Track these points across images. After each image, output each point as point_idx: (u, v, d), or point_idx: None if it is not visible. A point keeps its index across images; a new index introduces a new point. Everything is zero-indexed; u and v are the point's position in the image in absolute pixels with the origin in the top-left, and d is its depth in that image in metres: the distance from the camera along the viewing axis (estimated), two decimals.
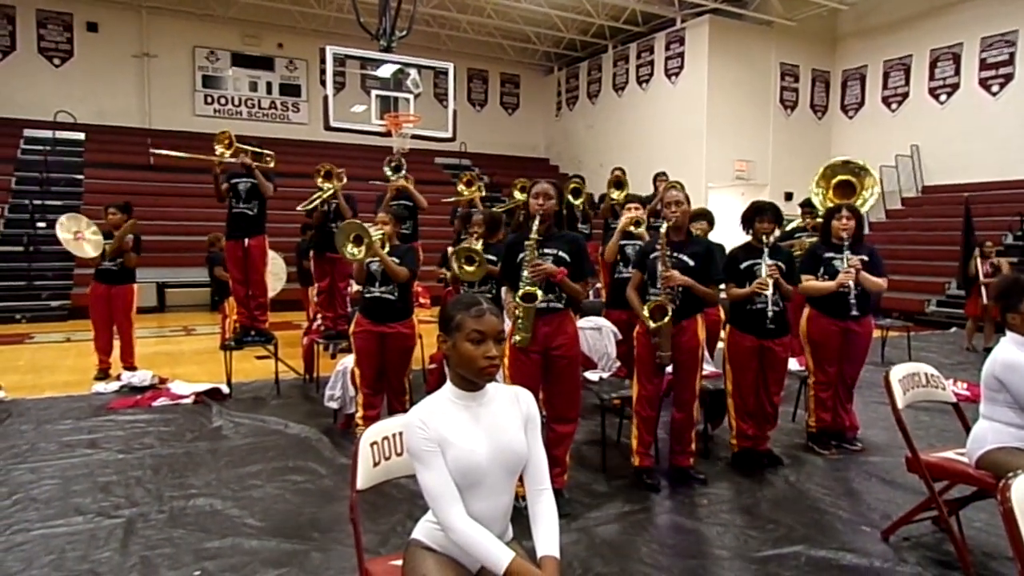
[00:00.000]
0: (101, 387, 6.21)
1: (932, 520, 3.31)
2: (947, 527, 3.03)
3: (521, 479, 1.94)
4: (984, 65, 14.22)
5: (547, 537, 1.85)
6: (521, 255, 3.54)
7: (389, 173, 6.80)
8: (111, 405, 5.64)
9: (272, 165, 6.57)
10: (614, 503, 3.75)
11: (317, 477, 4.14)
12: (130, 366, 6.59)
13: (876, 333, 8.16)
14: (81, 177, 14.50)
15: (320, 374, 6.29)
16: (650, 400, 3.97)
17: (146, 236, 6.69)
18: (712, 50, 15.65)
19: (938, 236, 13.25)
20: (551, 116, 21.66)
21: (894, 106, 15.91)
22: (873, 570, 3.04)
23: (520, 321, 3.48)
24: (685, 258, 3.86)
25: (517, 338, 3.49)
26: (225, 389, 6.03)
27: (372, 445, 2.08)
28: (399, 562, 1.96)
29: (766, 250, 4.17)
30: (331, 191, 6.51)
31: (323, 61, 9.25)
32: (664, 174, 7.73)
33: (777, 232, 4.39)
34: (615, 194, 6.55)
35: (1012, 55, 13.76)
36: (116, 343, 6.69)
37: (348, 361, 5.08)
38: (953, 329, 10.57)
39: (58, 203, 13.44)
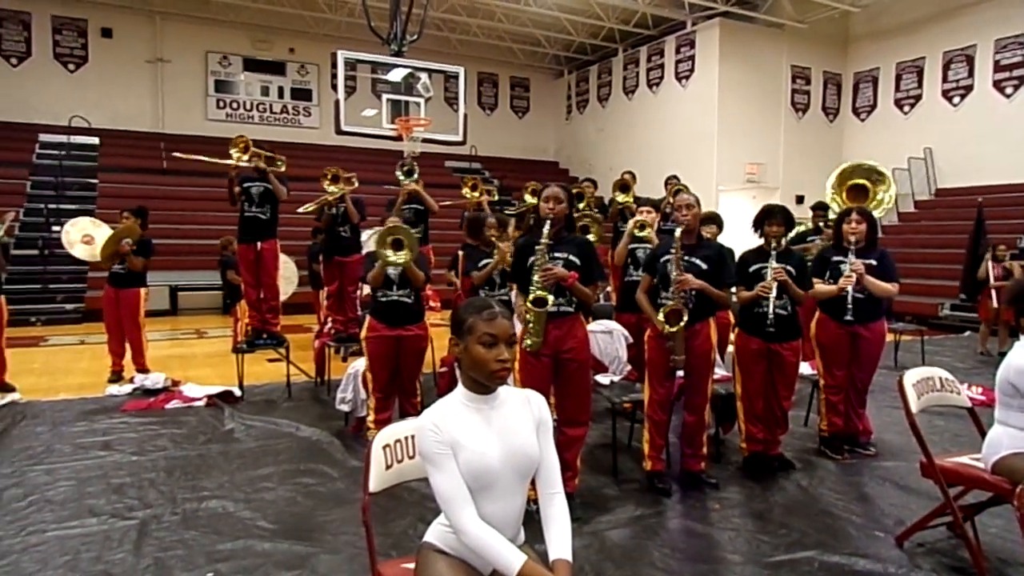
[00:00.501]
0: (115, 389, 6.25)
1: (947, 526, 3.28)
2: (962, 533, 3.01)
3: (533, 483, 1.94)
4: (998, 67, 14.10)
5: (559, 540, 1.86)
6: (532, 259, 3.55)
7: (401, 177, 6.81)
8: (125, 407, 5.68)
9: (283, 169, 6.60)
10: (625, 507, 3.74)
11: (329, 480, 4.15)
12: (143, 368, 6.63)
13: (889, 337, 8.15)
14: (95, 181, 14.65)
15: (331, 377, 6.31)
16: (662, 404, 3.96)
17: (159, 239, 6.72)
18: (723, 53, 15.61)
19: (951, 239, 13.13)
20: (561, 119, 21.67)
21: (907, 108, 15.81)
22: None
23: (531, 325, 3.48)
24: (698, 261, 3.85)
25: (528, 342, 3.49)
26: (237, 392, 6.06)
27: (384, 448, 2.09)
28: (411, 565, 1.97)
29: (773, 253, 4.16)
30: (338, 194, 6.52)
31: (334, 66, 9.31)
32: (675, 177, 7.71)
33: (790, 235, 4.39)
34: (620, 197, 6.53)
35: None
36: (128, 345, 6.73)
37: (359, 364, 5.09)
38: (967, 333, 10.48)
39: (73, 207, 13.54)
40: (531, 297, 3.46)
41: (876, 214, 4.94)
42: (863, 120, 16.83)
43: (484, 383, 1.87)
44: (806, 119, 16.85)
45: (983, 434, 3.04)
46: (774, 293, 4.06)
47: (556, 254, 3.56)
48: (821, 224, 7.00)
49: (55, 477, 4.11)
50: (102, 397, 6.06)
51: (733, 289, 4.18)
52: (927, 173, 15.32)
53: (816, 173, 15.68)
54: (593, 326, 5.29)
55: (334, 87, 9.90)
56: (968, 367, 7.78)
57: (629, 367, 5.57)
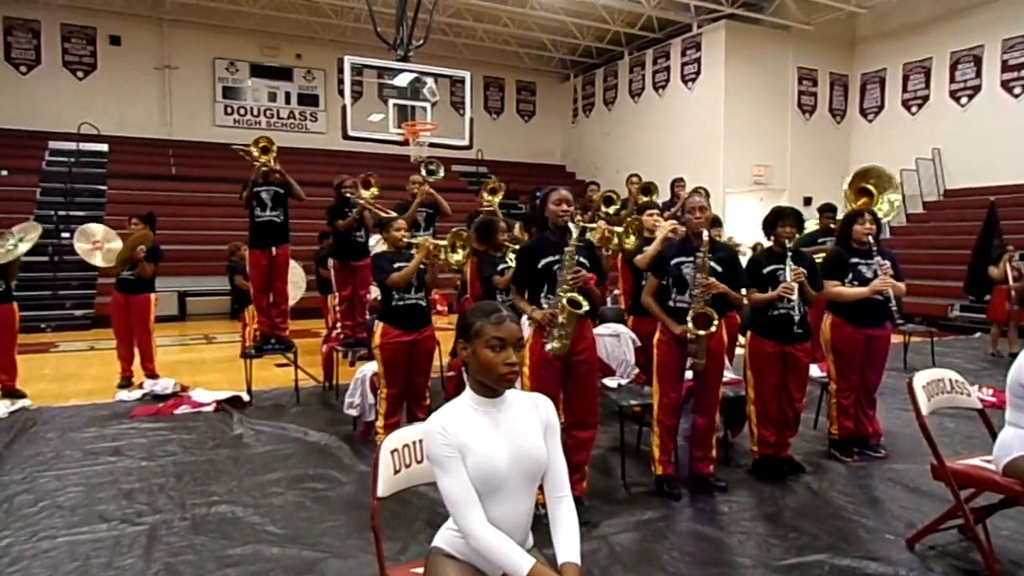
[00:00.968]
0: (124, 395, 6.28)
1: (958, 528, 3.26)
2: (974, 536, 2.99)
3: (541, 487, 1.94)
4: (1006, 67, 14.03)
5: (568, 544, 1.86)
6: (544, 261, 3.52)
7: (425, 175, 6.76)
8: (134, 413, 5.70)
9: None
10: (634, 511, 3.73)
11: (337, 485, 4.16)
12: (152, 374, 6.67)
13: (898, 339, 8.11)
14: (104, 188, 14.75)
15: (339, 382, 6.32)
16: (673, 408, 3.95)
17: (167, 245, 6.76)
18: (729, 55, 15.59)
19: (960, 240, 13.04)
20: (567, 123, 21.68)
21: (914, 109, 15.75)
22: None
23: (561, 328, 3.45)
24: (714, 264, 3.85)
25: (557, 345, 3.45)
26: (246, 397, 6.07)
27: (392, 453, 2.09)
28: (420, 570, 1.97)
29: (789, 255, 4.15)
30: (370, 199, 6.56)
31: (341, 71, 9.32)
32: (681, 180, 7.70)
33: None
34: (643, 199, 6.56)
35: None
36: (137, 351, 6.77)
37: (367, 369, 5.09)
38: (977, 334, 10.41)
39: (82, 214, 13.66)
40: (567, 298, 3.43)
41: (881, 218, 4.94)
42: (871, 121, 16.77)
43: (492, 387, 1.87)
44: (813, 121, 16.81)
45: (994, 436, 3.02)
46: (796, 295, 4.07)
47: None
48: (832, 225, 6.96)
49: (65, 483, 4.13)
50: (112, 403, 6.09)
51: (743, 291, 4.17)
52: (935, 174, 15.25)
53: (823, 175, 15.73)
54: (600, 329, 5.28)
55: (341, 92, 9.92)
56: (978, 368, 7.72)
57: (636, 370, 5.55)
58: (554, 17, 16.74)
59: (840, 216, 5.80)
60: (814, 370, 5.15)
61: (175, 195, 15.15)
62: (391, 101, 9.41)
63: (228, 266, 11.21)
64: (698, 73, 16.37)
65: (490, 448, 1.82)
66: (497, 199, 6.84)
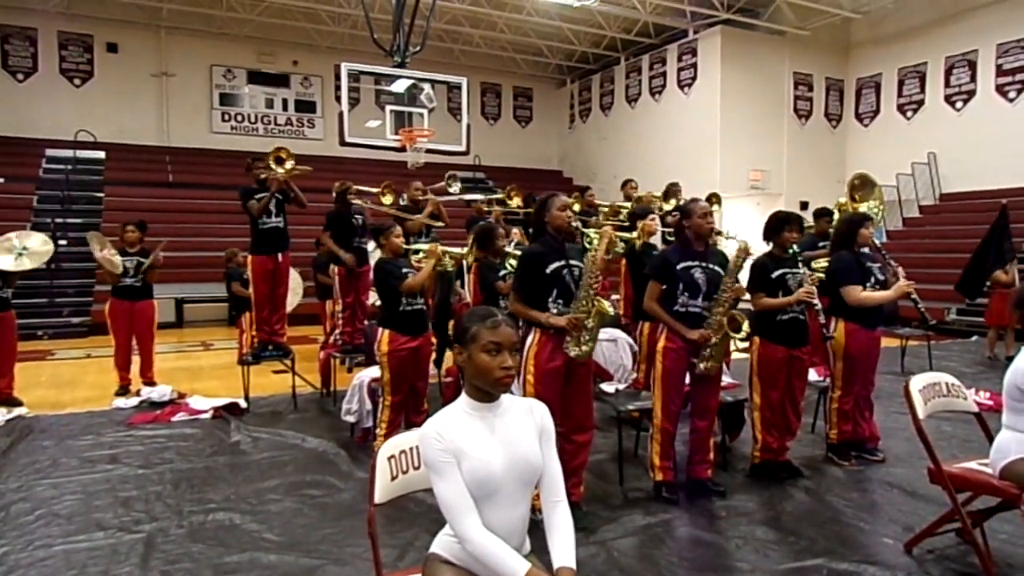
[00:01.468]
0: (121, 402, 6.26)
1: (956, 532, 3.26)
2: (971, 539, 2.99)
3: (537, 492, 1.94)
4: (1000, 71, 14.09)
5: (563, 548, 1.86)
6: (552, 267, 3.51)
7: (453, 188, 7.32)
8: (131, 420, 5.69)
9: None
10: (632, 516, 3.72)
11: (335, 491, 4.15)
12: (150, 381, 6.65)
13: (895, 342, 8.13)
14: (101, 195, 14.75)
15: (337, 388, 6.32)
16: (676, 415, 3.95)
17: (164, 252, 6.77)
18: (725, 60, 15.64)
19: (956, 244, 13.09)
20: (564, 128, 21.72)
21: (909, 114, 15.80)
22: None
23: (588, 333, 3.47)
24: (717, 268, 3.88)
25: (585, 350, 3.48)
26: (243, 404, 6.06)
27: (390, 459, 2.09)
28: None
29: (800, 259, 4.19)
30: (394, 206, 6.79)
31: (338, 77, 9.34)
32: (676, 185, 7.71)
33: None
34: (667, 206, 6.73)
35: None
36: (135, 358, 6.75)
37: (365, 375, 5.09)
38: (974, 338, 10.43)
39: (79, 221, 13.66)
40: (601, 306, 3.45)
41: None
42: (866, 126, 16.82)
43: (488, 391, 1.88)
44: (809, 125, 16.86)
45: (991, 439, 3.02)
46: (817, 301, 4.10)
47: (572, 262, 3.57)
48: (831, 230, 6.97)
49: (62, 491, 4.12)
50: (108, 410, 6.08)
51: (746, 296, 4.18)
52: (931, 178, 15.29)
53: (820, 179, 15.77)
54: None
55: (338, 99, 9.92)
56: (975, 372, 7.74)
57: (634, 375, 5.56)
58: (550, 23, 16.79)
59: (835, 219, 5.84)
60: (811, 374, 5.16)
61: (172, 202, 15.15)
62: (388, 107, 9.43)
63: (225, 273, 11.20)
64: (694, 78, 16.42)
65: (486, 453, 1.82)
66: (515, 203, 7.03)
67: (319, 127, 18.61)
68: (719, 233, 4.98)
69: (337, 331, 6.97)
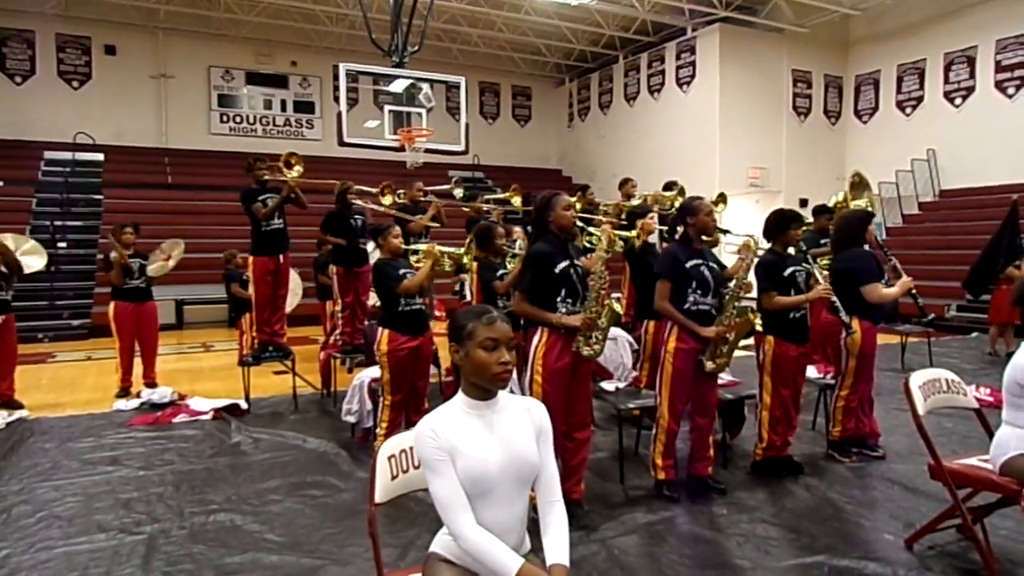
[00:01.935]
0: (122, 404, 6.26)
1: (956, 528, 3.26)
2: (972, 535, 2.99)
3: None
4: (999, 67, 14.08)
5: (557, 545, 1.87)
6: (561, 266, 3.50)
7: (457, 192, 7.47)
8: (132, 422, 5.69)
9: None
10: (633, 514, 3.72)
11: (336, 491, 4.15)
12: (151, 382, 6.67)
13: (895, 339, 8.13)
14: (100, 197, 14.73)
15: (337, 388, 6.32)
16: (681, 414, 3.96)
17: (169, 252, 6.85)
18: (723, 58, 15.64)
19: (956, 240, 13.10)
20: (563, 127, 21.71)
21: (909, 110, 15.79)
22: None
23: (600, 332, 3.49)
24: (715, 265, 3.92)
25: (596, 349, 3.51)
26: (244, 405, 6.06)
27: (390, 459, 2.09)
28: (418, 575, 1.96)
29: (808, 256, 4.24)
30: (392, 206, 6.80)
31: (336, 78, 9.34)
32: (675, 183, 7.69)
33: None
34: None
35: None
36: (137, 360, 6.77)
37: (365, 375, 5.09)
38: (974, 334, 10.42)
39: (78, 223, 13.67)
40: (613, 306, 3.50)
41: None
42: (865, 123, 16.81)
43: (486, 387, 1.88)
44: (808, 122, 16.85)
45: (991, 435, 3.03)
46: (835, 298, 4.15)
47: (576, 261, 3.57)
48: (831, 228, 6.96)
49: (63, 493, 4.12)
50: (109, 412, 6.08)
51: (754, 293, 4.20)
52: (930, 174, 15.29)
53: (819, 177, 15.77)
54: None
55: (336, 99, 9.95)
56: (975, 368, 7.74)
57: (634, 374, 5.55)
58: (548, 22, 16.78)
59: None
60: (811, 371, 5.17)
61: (171, 203, 15.14)
62: (387, 107, 9.42)
63: (224, 274, 11.20)
64: (693, 76, 16.42)
65: (482, 451, 1.82)
66: (517, 201, 7.05)
67: (318, 127, 18.61)
68: (725, 231, 5.01)
69: (337, 331, 6.98)
